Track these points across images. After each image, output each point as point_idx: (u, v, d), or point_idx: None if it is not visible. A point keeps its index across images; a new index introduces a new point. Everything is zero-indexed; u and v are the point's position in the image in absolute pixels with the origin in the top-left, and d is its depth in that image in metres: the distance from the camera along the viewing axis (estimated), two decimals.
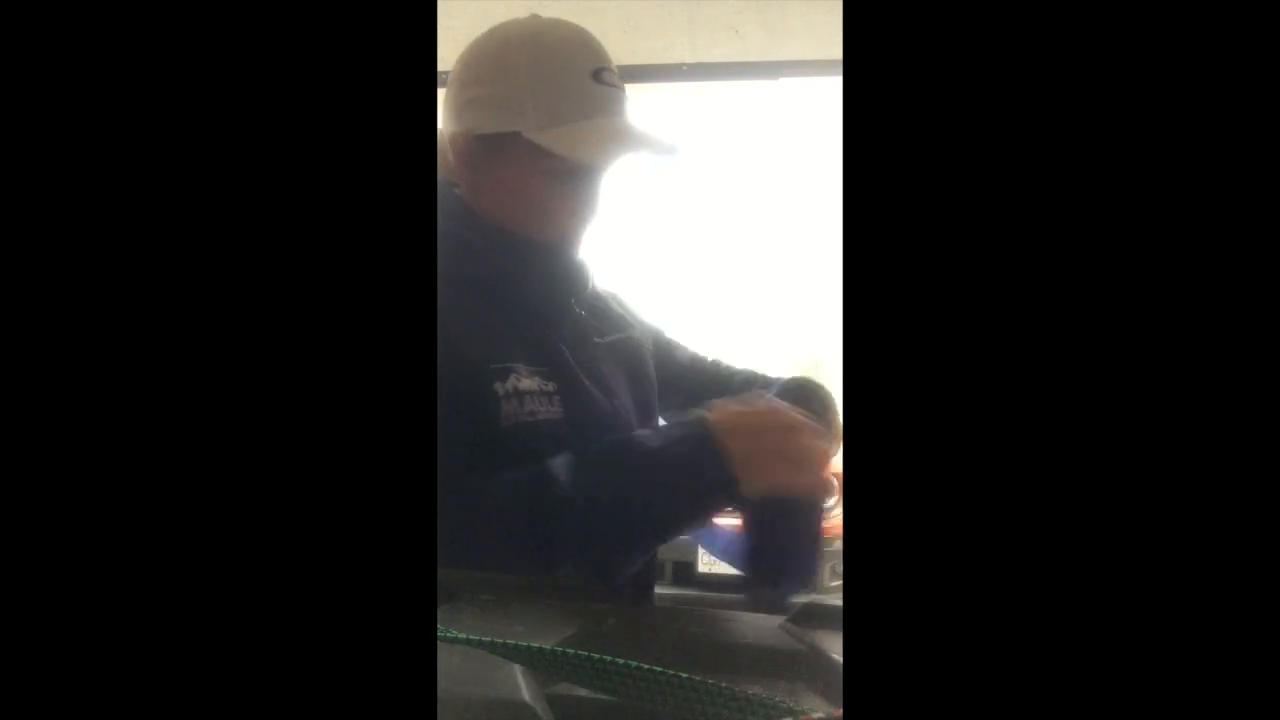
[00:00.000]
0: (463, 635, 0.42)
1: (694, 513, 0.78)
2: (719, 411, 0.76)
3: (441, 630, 0.42)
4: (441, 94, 0.90)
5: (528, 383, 0.79)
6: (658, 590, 0.98)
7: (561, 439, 0.78)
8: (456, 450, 0.73)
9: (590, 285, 0.93)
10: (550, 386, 0.81)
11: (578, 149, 0.84)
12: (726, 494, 0.74)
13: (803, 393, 0.88)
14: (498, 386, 0.77)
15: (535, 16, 0.90)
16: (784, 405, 0.77)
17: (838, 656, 0.47)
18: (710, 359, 1.09)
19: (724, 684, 0.37)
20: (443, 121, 0.89)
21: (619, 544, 0.76)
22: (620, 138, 0.86)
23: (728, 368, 1.07)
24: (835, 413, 0.90)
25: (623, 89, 0.89)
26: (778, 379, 0.94)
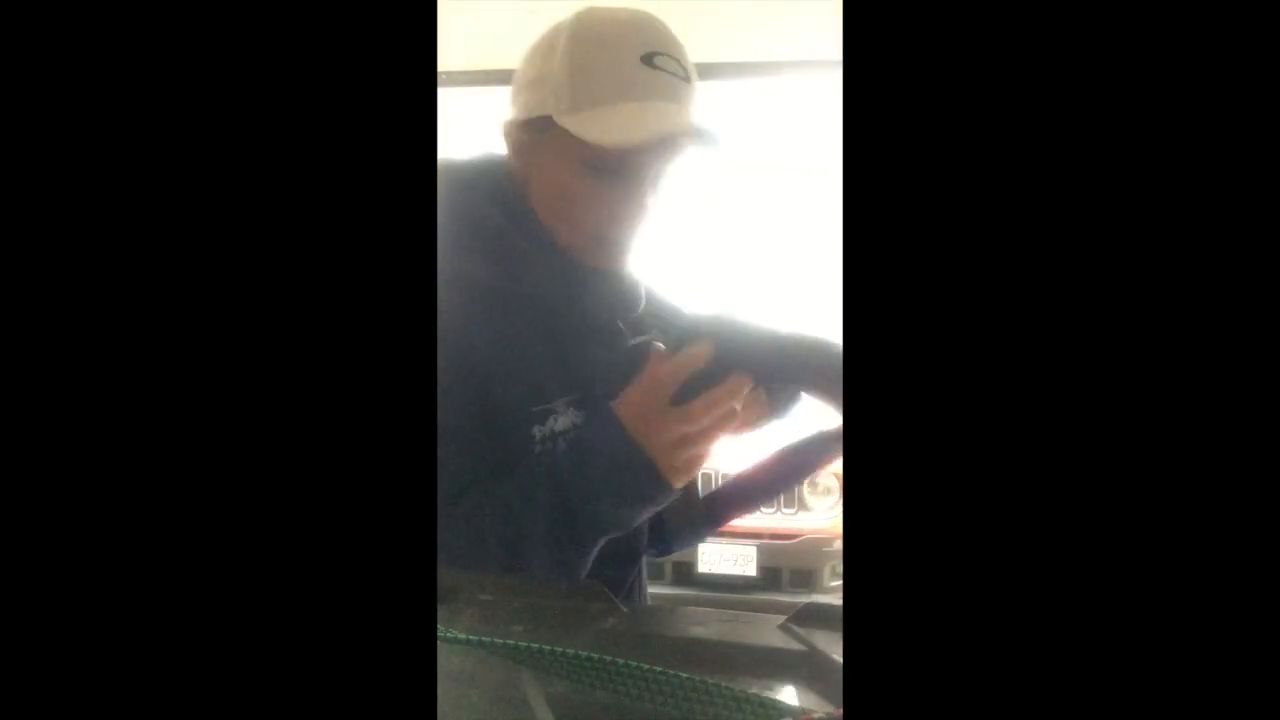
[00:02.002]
0: (463, 635, 0.42)
1: (636, 514, 0.74)
2: (622, 404, 0.72)
3: (441, 630, 0.42)
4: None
5: (563, 421, 0.77)
6: (658, 590, 0.98)
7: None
8: (478, 475, 0.73)
9: (639, 308, 0.86)
10: (580, 417, 0.78)
11: (606, 133, 0.73)
12: (658, 489, 0.71)
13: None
14: (535, 430, 0.75)
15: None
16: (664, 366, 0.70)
17: (838, 656, 0.47)
18: None
19: (724, 684, 0.37)
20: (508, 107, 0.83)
21: (564, 552, 0.73)
22: (659, 123, 0.74)
23: None
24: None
25: (687, 77, 0.77)
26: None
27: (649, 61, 0.75)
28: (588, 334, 0.82)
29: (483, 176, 0.83)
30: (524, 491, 0.73)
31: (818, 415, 0.78)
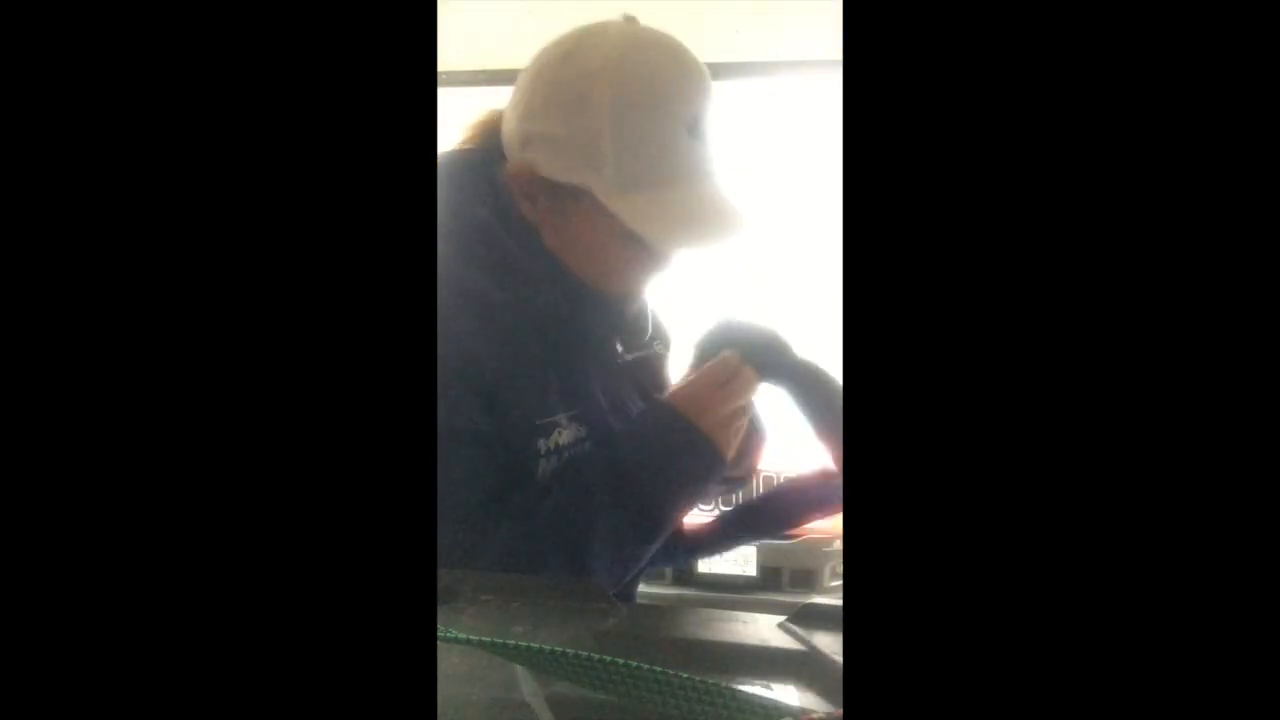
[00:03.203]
0: (463, 635, 0.42)
1: (693, 496, 0.79)
2: (678, 393, 0.77)
3: (441, 630, 0.42)
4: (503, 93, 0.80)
5: (567, 434, 0.77)
6: (658, 590, 0.99)
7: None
8: (489, 497, 0.73)
9: (646, 337, 0.87)
10: (583, 431, 0.78)
11: (658, 230, 0.73)
12: (720, 472, 0.77)
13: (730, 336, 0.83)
14: (541, 444, 0.75)
15: (629, 23, 0.76)
16: (724, 360, 0.78)
17: (838, 656, 0.47)
18: None
19: (724, 684, 0.37)
20: (507, 138, 0.78)
21: (626, 549, 0.76)
22: (705, 224, 0.75)
23: None
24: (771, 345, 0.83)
25: (710, 141, 0.76)
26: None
27: (693, 131, 0.74)
28: (586, 350, 0.82)
29: (480, 177, 0.80)
30: (580, 495, 0.73)
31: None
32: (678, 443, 0.75)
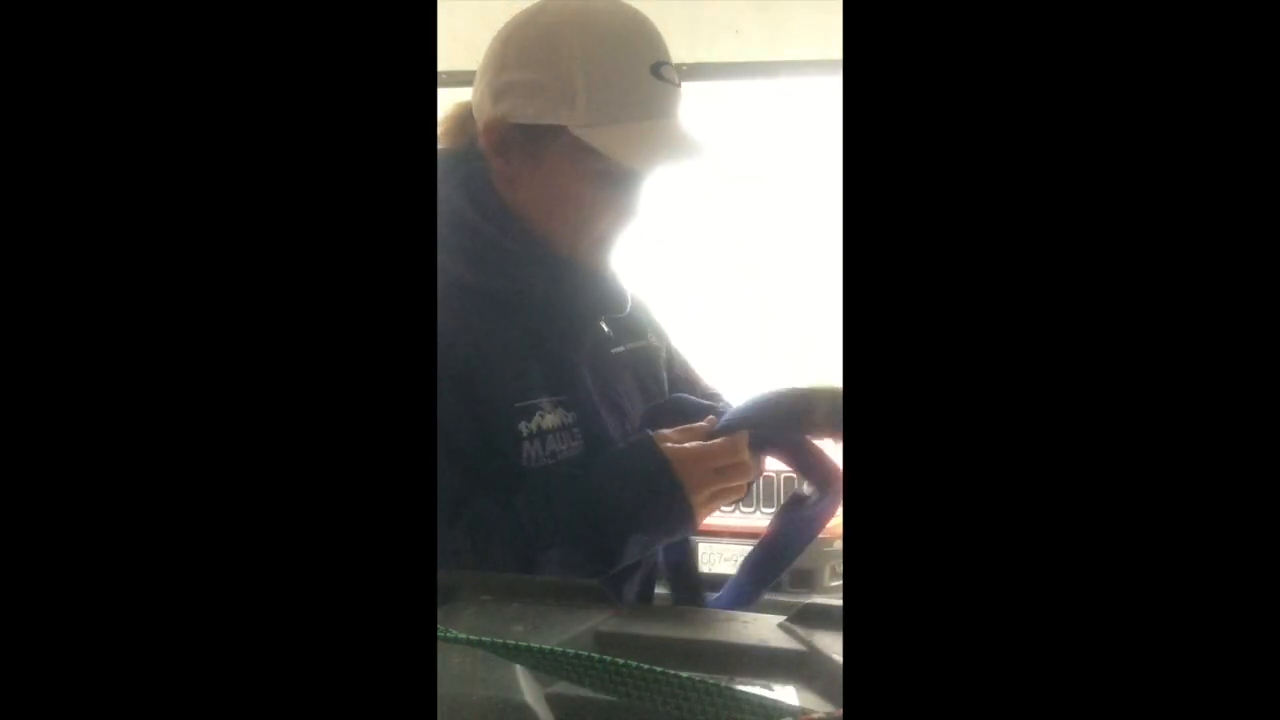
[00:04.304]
0: (463, 635, 0.42)
1: (652, 542, 0.79)
2: (677, 448, 0.77)
3: (441, 630, 0.42)
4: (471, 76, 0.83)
5: (550, 419, 0.78)
6: (659, 590, 0.98)
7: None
8: (472, 481, 0.73)
9: (626, 308, 0.88)
10: (570, 417, 0.79)
11: (630, 153, 0.78)
12: (686, 524, 0.78)
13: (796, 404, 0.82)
14: (522, 427, 0.76)
15: None
16: (735, 440, 0.78)
17: (838, 656, 0.47)
18: (699, 379, 1.02)
19: (724, 684, 0.37)
20: (477, 104, 0.83)
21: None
22: (675, 144, 0.80)
23: (704, 389, 1.00)
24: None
25: (679, 83, 0.82)
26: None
27: (656, 73, 0.79)
28: (573, 334, 0.83)
29: (455, 173, 0.82)
30: (538, 507, 0.74)
31: None
32: (658, 486, 0.75)
